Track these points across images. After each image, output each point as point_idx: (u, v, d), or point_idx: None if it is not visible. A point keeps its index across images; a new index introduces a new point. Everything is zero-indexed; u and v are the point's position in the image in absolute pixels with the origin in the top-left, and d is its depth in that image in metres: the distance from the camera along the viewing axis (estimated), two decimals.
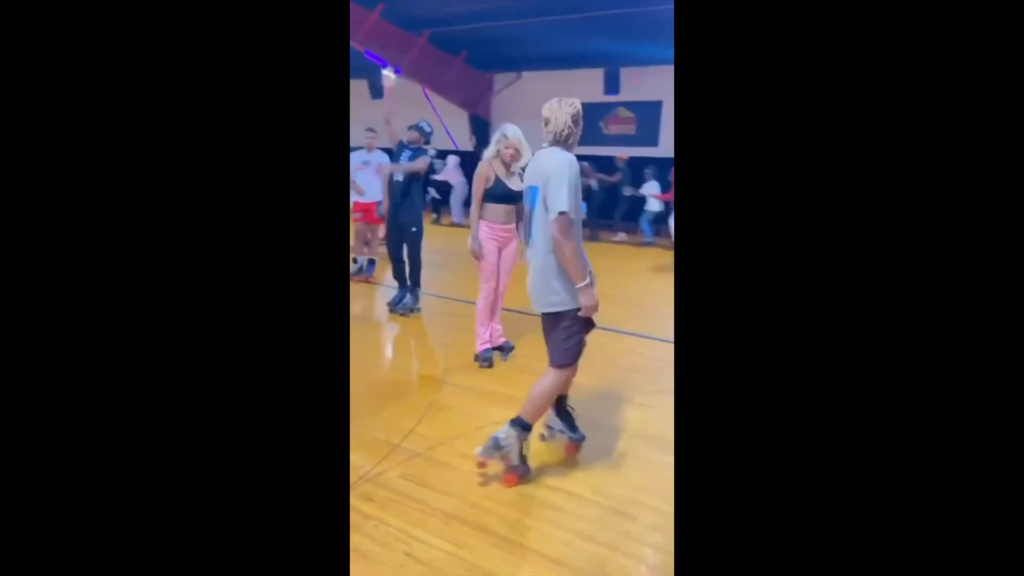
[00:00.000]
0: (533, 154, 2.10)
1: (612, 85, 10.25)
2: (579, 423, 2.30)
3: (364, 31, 8.57)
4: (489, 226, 3.06)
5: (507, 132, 2.98)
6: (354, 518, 1.80)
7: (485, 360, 3.17)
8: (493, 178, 2.99)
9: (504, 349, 3.33)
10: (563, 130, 1.97)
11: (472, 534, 1.75)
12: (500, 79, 12.15)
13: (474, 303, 3.25)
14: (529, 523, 1.83)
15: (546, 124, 2.00)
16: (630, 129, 11.01)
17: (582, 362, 2.10)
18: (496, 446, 1.97)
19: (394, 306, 4.18)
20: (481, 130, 12.01)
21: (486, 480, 2.04)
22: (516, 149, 2.98)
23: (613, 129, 10.82)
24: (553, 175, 1.85)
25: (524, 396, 2.06)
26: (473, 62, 10.87)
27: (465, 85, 11.12)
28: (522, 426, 1.99)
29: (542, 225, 1.91)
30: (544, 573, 1.60)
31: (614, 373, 3.15)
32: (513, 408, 2.32)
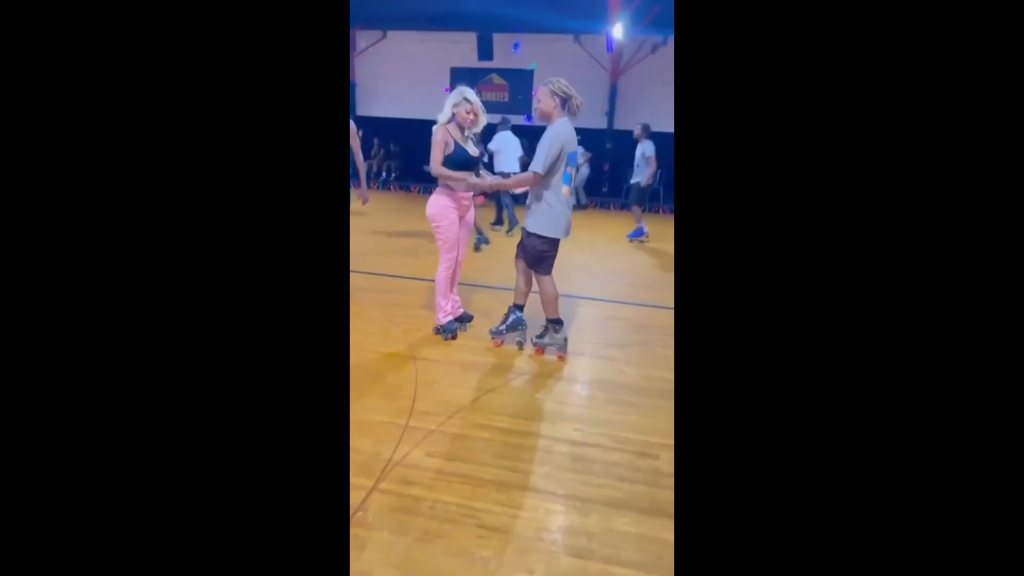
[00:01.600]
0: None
1: (485, 51, 10.18)
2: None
3: None
4: (449, 194, 2.94)
5: (468, 96, 2.88)
6: (405, 503, 1.71)
7: (449, 332, 3.11)
8: (452, 144, 2.87)
9: (463, 320, 3.29)
10: (575, 103, 2.76)
11: (528, 495, 1.79)
12: (363, 37, 11.33)
13: (404, 278, 3.20)
14: (572, 476, 1.92)
15: (571, 99, 2.75)
16: (503, 96, 11.13)
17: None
18: (547, 341, 2.98)
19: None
20: None
21: (505, 439, 2.08)
22: (477, 114, 2.89)
23: (486, 96, 10.81)
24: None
25: (501, 362, 2.86)
26: None
27: None
28: (556, 323, 2.96)
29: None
30: (612, 516, 1.71)
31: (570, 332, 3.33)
32: (498, 375, 2.76)
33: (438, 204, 2.94)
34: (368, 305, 3.66)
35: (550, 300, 2.91)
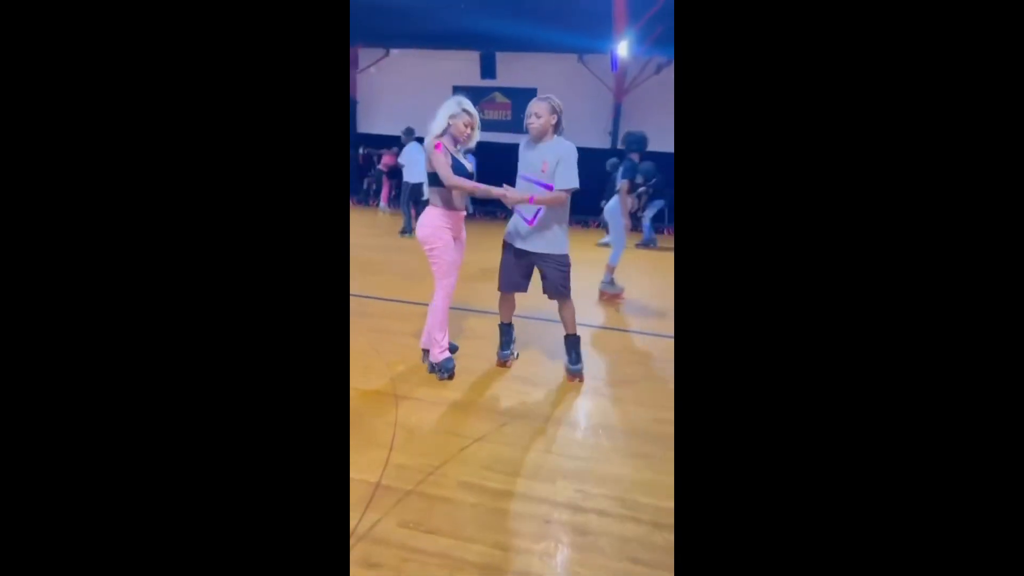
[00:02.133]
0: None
1: (488, 69, 10.05)
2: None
3: None
4: (443, 213, 2.61)
5: (467, 107, 2.59)
6: None
7: (446, 371, 2.76)
8: (450, 158, 2.57)
9: (450, 350, 2.98)
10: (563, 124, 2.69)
11: None
12: (365, 54, 11.23)
13: (393, 301, 2.90)
14: (575, 557, 1.58)
15: (561, 118, 2.65)
16: (506, 115, 10.98)
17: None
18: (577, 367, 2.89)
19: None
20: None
21: (494, 504, 1.75)
22: (474, 127, 2.62)
23: (488, 115, 10.66)
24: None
25: (493, 401, 2.59)
26: None
27: None
28: (577, 339, 2.88)
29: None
30: None
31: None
32: (489, 418, 2.42)
33: (430, 224, 2.60)
34: (356, 331, 3.35)
35: (574, 315, 2.88)
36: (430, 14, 8.24)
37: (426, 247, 2.63)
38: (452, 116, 2.57)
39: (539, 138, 2.65)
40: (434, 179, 2.58)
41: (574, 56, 10.27)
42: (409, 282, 4.75)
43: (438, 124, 2.58)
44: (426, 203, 2.74)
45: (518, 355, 3.14)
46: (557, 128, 2.66)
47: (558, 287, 2.76)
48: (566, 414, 2.50)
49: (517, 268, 2.83)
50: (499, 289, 2.93)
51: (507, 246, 2.87)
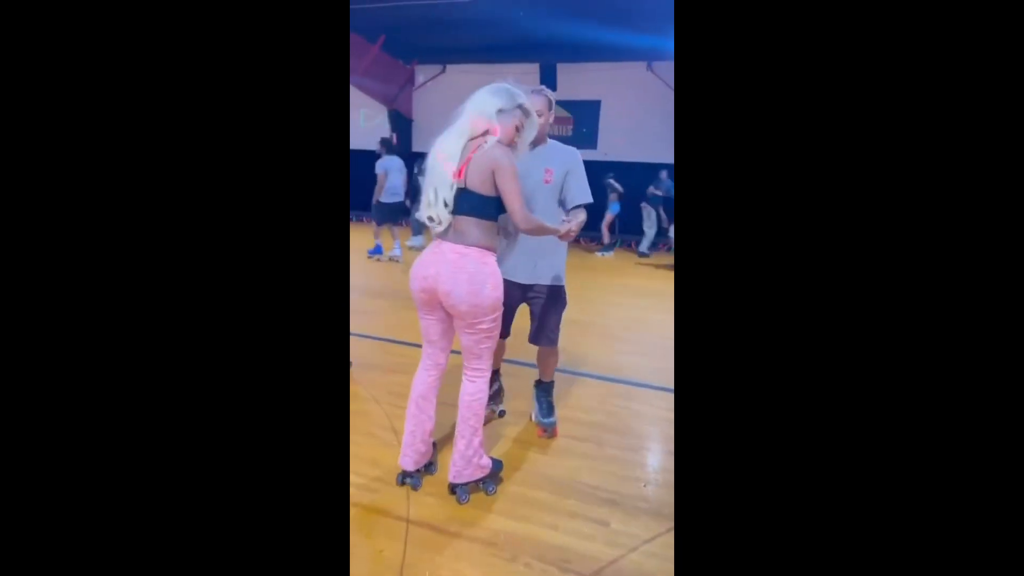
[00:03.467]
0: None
1: (548, 81, 9.46)
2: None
3: (361, 71, 7.36)
4: (495, 262, 1.75)
5: (522, 100, 1.74)
6: None
7: (492, 486, 1.96)
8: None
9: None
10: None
11: None
12: (422, 71, 10.98)
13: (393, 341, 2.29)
14: None
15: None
16: (566, 130, 10.32)
17: None
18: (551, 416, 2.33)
19: None
20: (402, 127, 10.78)
21: None
22: (523, 130, 1.79)
23: (548, 129, 10.02)
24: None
25: (496, 534, 1.76)
26: (392, 50, 9.63)
27: (383, 76, 9.84)
28: (551, 385, 2.39)
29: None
30: None
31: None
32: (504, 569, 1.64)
33: (494, 282, 1.70)
34: (367, 385, 2.74)
35: (554, 364, 2.39)
36: (487, 27, 7.78)
37: (494, 313, 1.72)
38: (501, 111, 1.69)
39: (537, 142, 2.06)
40: (487, 208, 1.67)
41: (642, 64, 9.47)
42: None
43: (485, 123, 1.66)
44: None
45: (503, 411, 2.55)
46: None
47: (550, 332, 2.23)
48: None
49: (508, 304, 2.13)
50: None
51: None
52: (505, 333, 2.28)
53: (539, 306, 2.22)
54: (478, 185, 1.67)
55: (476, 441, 1.86)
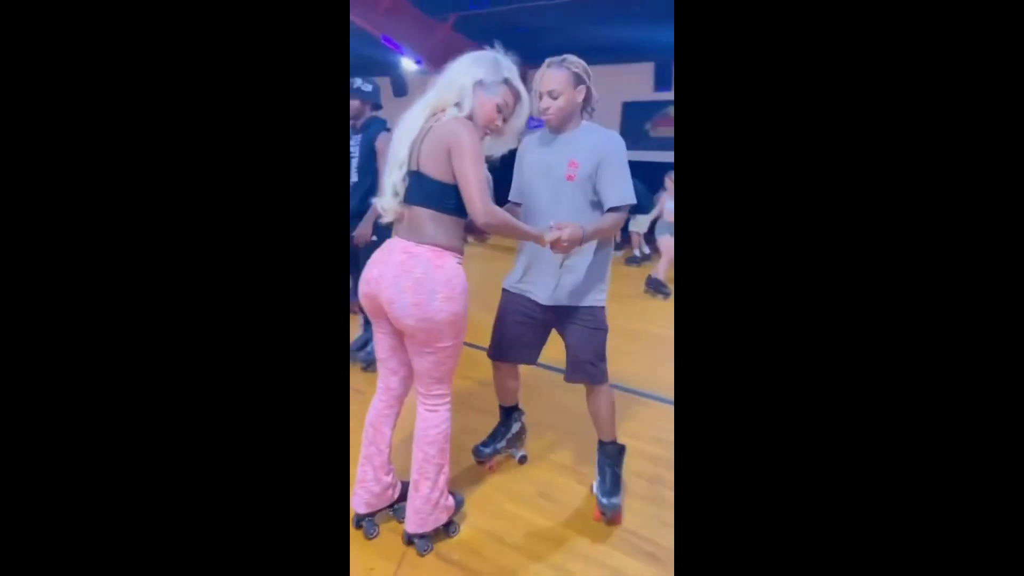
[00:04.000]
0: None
1: (663, 79, 8.92)
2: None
3: (381, 11, 7.51)
4: (461, 265, 1.44)
5: (509, 73, 1.46)
6: None
7: (455, 529, 1.67)
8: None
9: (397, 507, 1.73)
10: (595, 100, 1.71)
11: None
12: (534, 76, 10.97)
13: (480, 349, 1.94)
14: None
15: (591, 91, 1.64)
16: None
17: None
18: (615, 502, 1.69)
19: (354, 353, 2.93)
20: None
21: None
22: (512, 114, 1.51)
23: (660, 131, 9.45)
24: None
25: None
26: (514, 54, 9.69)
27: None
28: (620, 449, 1.81)
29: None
30: None
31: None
32: None
33: (459, 284, 1.38)
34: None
35: (613, 413, 1.80)
36: (598, 26, 7.52)
37: (453, 329, 1.39)
38: (482, 85, 1.37)
39: (562, 126, 1.65)
40: (448, 198, 1.34)
41: None
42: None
43: (456, 92, 1.36)
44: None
45: (524, 457, 2.05)
46: (586, 107, 1.66)
47: (588, 365, 1.70)
48: None
49: (527, 328, 1.77)
50: (490, 356, 1.88)
51: (510, 296, 1.81)
52: (530, 360, 1.85)
53: (568, 334, 1.76)
54: (432, 168, 1.33)
55: (443, 480, 1.52)
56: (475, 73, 1.37)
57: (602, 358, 1.75)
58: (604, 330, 1.76)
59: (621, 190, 1.63)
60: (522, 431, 2.08)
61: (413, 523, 1.52)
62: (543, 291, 1.73)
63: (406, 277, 1.33)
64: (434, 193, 1.35)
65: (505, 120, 1.44)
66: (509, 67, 1.42)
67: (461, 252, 1.42)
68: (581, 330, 1.73)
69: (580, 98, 1.62)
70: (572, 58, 1.62)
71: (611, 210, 1.63)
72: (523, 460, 2.06)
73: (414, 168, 1.37)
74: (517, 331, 1.81)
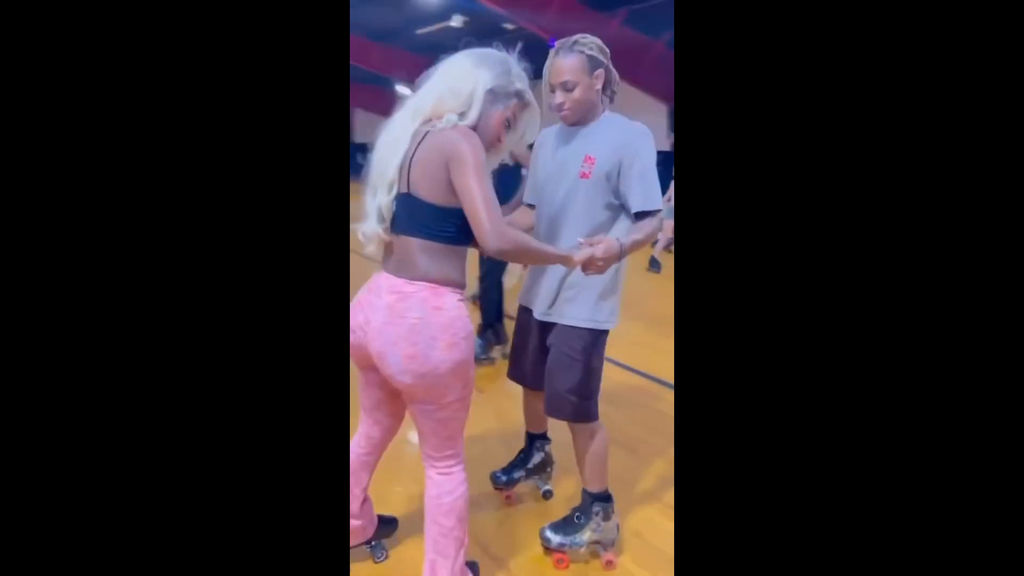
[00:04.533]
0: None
1: None
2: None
3: (552, 14, 7.68)
4: (462, 307, 1.17)
5: (520, 83, 1.22)
6: None
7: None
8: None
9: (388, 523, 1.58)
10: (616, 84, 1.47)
11: None
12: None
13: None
14: None
15: (613, 76, 1.43)
16: None
17: None
18: (586, 537, 1.51)
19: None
20: None
21: None
22: (520, 123, 1.28)
23: None
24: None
25: None
26: None
27: (666, 73, 9.43)
28: (604, 499, 1.54)
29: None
30: None
31: None
32: None
33: (459, 328, 1.12)
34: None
35: (602, 458, 1.51)
36: None
37: (458, 382, 1.14)
38: (492, 93, 1.15)
39: (581, 119, 1.41)
40: (448, 224, 1.11)
41: None
42: None
43: (464, 99, 1.13)
44: None
45: (549, 492, 1.80)
46: (606, 92, 1.41)
47: (565, 395, 1.43)
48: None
49: (527, 346, 1.57)
50: (508, 375, 1.68)
51: (520, 309, 1.61)
52: (536, 383, 1.57)
53: (550, 356, 1.47)
54: (426, 188, 1.10)
55: (462, 556, 1.24)
56: (485, 79, 1.14)
57: (587, 392, 1.45)
58: (592, 357, 1.46)
59: (647, 193, 1.37)
60: (546, 462, 1.81)
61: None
62: (539, 304, 1.50)
63: (398, 324, 1.09)
64: (429, 218, 1.11)
65: (514, 131, 1.24)
66: (520, 75, 1.20)
67: (463, 287, 1.17)
68: (563, 355, 1.45)
69: (599, 85, 1.37)
70: (585, 38, 1.37)
71: (639, 216, 1.39)
72: (547, 495, 1.80)
73: (404, 190, 1.13)
74: (520, 349, 1.61)
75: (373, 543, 1.48)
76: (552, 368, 1.46)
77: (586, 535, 1.49)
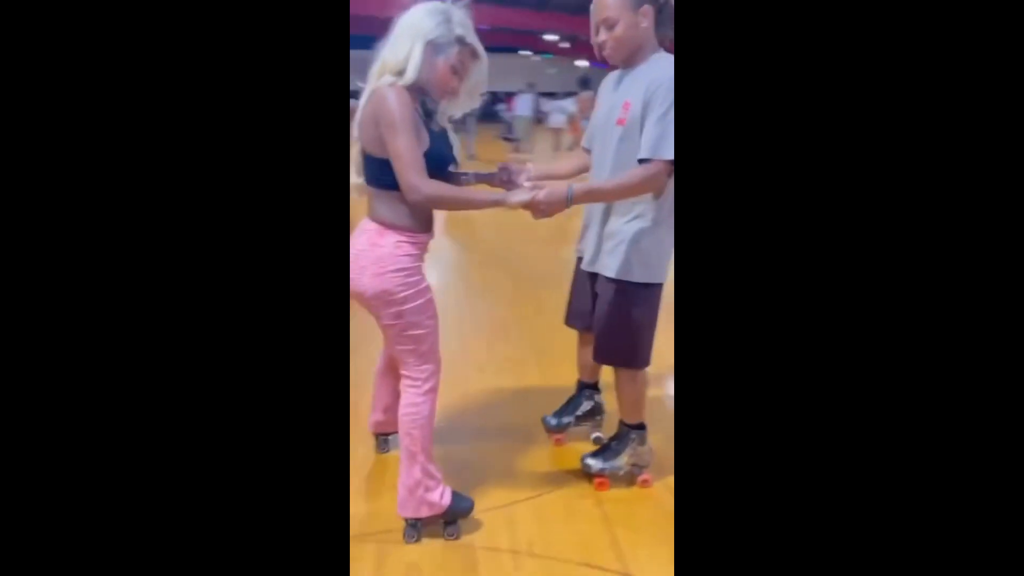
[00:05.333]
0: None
1: None
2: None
3: None
4: (411, 240, 1.33)
5: (461, 30, 1.28)
6: None
7: (464, 512, 1.54)
8: (422, 128, 1.30)
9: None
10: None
11: None
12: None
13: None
14: None
15: (667, 5, 1.34)
16: None
17: None
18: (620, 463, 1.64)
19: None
20: None
21: None
22: (467, 74, 1.38)
23: None
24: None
25: None
26: None
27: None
28: (640, 428, 1.64)
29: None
30: None
31: None
32: None
33: (391, 261, 1.29)
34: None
35: (640, 398, 1.62)
36: None
37: (389, 307, 1.31)
38: (432, 45, 1.23)
39: (630, 61, 1.40)
40: (385, 174, 1.24)
41: None
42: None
43: (403, 54, 1.22)
44: None
45: (599, 438, 1.87)
46: (659, 28, 1.35)
47: (609, 346, 1.54)
48: None
49: (579, 292, 1.70)
50: (565, 320, 1.78)
51: (578, 259, 1.70)
52: (570, 316, 1.76)
53: (597, 306, 1.54)
54: (368, 143, 1.26)
55: (417, 470, 1.41)
56: (424, 32, 1.22)
57: (630, 342, 1.51)
58: (633, 309, 1.48)
59: (654, 138, 1.31)
60: (595, 411, 1.88)
61: (399, 503, 1.47)
62: (587, 254, 1.58)
63: (353, 251, 1.32)
64: (375, 170, 1.28)
65: (461, 80, 1.31)
66: (462, 22, 1.25)
67: (414, 231, 1.32)
68: (605, 305, 1.51)
69: (645, 22, 1.32)
70: None
71: (642, 162, 1.33)
72: (597, 441, 1.85)
73: (361, 146, 1.29)
74: (575, 296, 1.72)
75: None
76: (598, 317, 1.54)
77: (623, 459, 1.64)
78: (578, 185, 1.32)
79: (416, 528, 1.48)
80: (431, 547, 1.47)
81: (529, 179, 1.39)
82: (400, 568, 1.41)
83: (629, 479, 1.68)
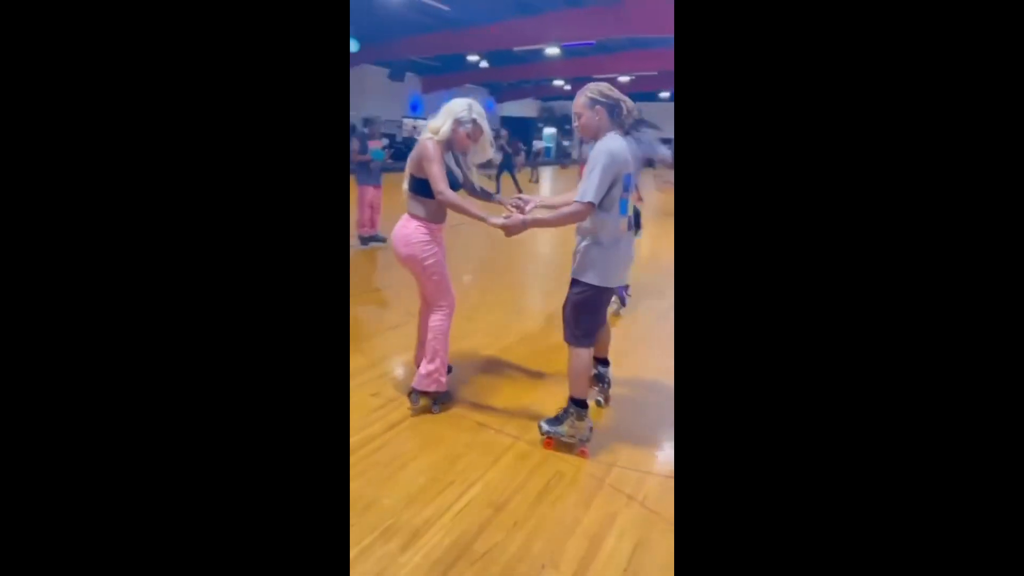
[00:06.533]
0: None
1: None
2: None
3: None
4: (424, 224, 2.30)
5: (475, 114, 2.27)
6: None
7: (440, 403, 2.43)
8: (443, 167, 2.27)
9: (439, 401, 2.48)
10: (627, 111, 2.05)
11: None
12: None
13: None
14: None
15: (619, 107, 2.04)
16: None
17: None
18: (563, 430, 2.16)
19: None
20: None
21: None
22: (477, 140, 2.34)
23: None
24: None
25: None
26: None
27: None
28: (580, 405, 2.16)
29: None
30: None
31: None
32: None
33: (415, 237, 2.28)
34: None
35: (580, 374, 2.17)
36: None
37: (416, 265, 2.32)
38: (458, 121, 2.24)
39: (593, 137, 2.10)
40: (419, 187, 2.24)
41: None
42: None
43: (440, 123, 2.24)
44: None
45: (599, 401, 2.55)
46: (616, 122, 2.03)
47: (566, 324, 2.16)
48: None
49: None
50: None
51: None
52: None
53: (567, 298, 2.21)
54: (413, 169, 2.26)
55: (437, 361, 2.37)
56: (454, 112, 2.24)
57: (575, 326, 2.12)
58: (581, 302, 2.11)
59: (583, 188, 1.97)
60: (600, 378, 2.53)
61: (415, 380, 2.43)
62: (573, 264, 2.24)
63: (395, 232, 2.35)
64: (412, 184, 2.29)
65: (474, 142, 2.32)
66: (479, 111, 2.28)
67: (431, 221, 2.30)
68: (568, 296, 2.18)
69: (598, 118, 2.04)
70: (591, 85, 2.07)
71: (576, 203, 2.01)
72: (599, 404, 2.54)
73: (416, 174, 2.26)
74: None
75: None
76: (567, 305, 2.17)
77: (564, 428, 2.16)
78: (531, 216, 2.17)
79: (418, 396, 2.41)
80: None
81: (533, 207, 2.29)
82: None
83: (570, 447, 2.17)
